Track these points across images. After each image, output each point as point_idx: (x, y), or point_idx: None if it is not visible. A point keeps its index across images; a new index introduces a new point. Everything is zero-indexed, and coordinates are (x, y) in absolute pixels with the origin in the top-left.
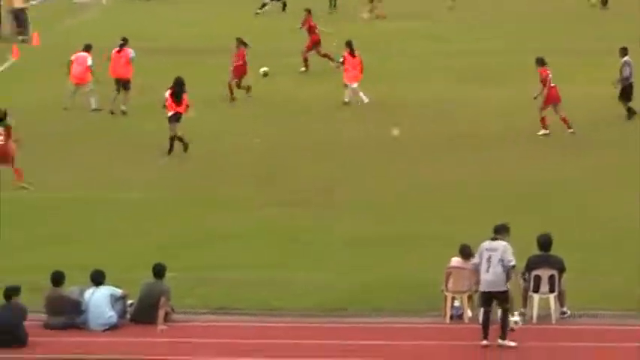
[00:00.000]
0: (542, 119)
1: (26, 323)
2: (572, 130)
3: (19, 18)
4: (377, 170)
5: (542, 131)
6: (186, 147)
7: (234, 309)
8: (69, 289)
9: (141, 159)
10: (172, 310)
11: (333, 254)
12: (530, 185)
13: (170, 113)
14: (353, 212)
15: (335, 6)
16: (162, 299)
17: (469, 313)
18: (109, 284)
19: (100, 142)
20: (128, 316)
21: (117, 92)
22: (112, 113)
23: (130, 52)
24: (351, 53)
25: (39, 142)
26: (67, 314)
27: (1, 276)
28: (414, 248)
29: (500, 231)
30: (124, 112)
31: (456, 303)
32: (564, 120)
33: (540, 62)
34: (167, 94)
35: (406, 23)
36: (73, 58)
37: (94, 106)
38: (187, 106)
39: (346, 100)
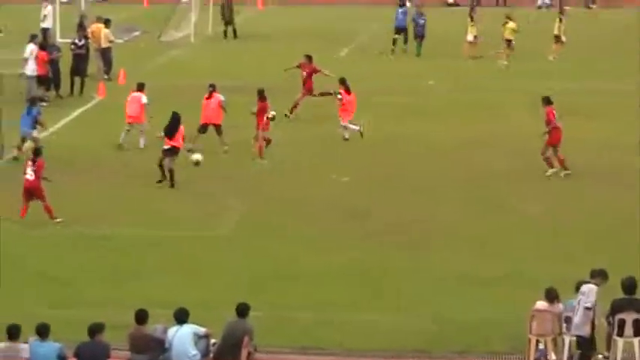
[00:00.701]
0: (547, 159)
1: None
2: (568, 171)
3: (105, 57)
4: (465, 207)
5: (550, 171)
6: (172, 183)
7: (317, 349)
8: (152, 327)
9: (228, 196)
10: (255, 349)
11: (421, 294)
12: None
13: (165, 147)
14: (443, 250)
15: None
16: (246, 339)
17: (553, 356)
18: (192, 323)
19: (183, 181)
20: (211, 355)
21: (198, 133)
22: (189, 151)
23: (220, 97)
24: (347, 91)
25: (116, 178)
26: (151, 352)
27: (86, 311)
28: (503, 288)
29: (595, 275)
30: (225, 152)
31: (540, 346)
32: (561, 161)
33: (546, 102)
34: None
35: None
36: (128, 98)
37: (141, 145)
38: (183, 138)
39: (346, 136)
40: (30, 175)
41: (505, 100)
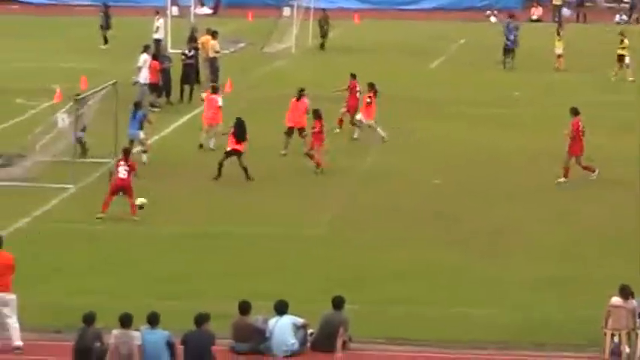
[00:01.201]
0: (587, 167)
1: (214, 348)
2: (566, 180)
3: (213, 66)
4: (548, 215)
5: (562, 179)
6: (248, 176)
7: (408, 339)
8: (254, 318)
9: (321, 197)
10: (350, 339)
11: (500, 292)
12: None
13: (229, 148)
14: (521, 255)
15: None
16: (341, 329)
17: (627, 349)
18: (291, 314)
19: (281, 182)
20: (308, 344)
21: (287, 137)
22: (284, 155)
23: (307, 101)
24: (376, 94)
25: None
26: (252, 341)
27: (195, 302)
28: (578, 288)
29: None
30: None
31: (615, 339)
32: (567, 171)
33: (574, 112)
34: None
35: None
36: (205, 101)
37: (211, 146)
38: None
39: (355, 136)
40: (123, 173)
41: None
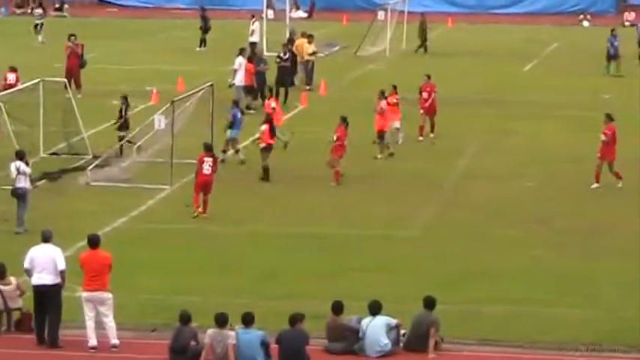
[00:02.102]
0: (616, 174)
1: (308, 347)
2: (598, 185)
3: (307, 69)
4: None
5: (620, 183)
6: (266, 176)
7: (499, 340)
8: (348, 318)
9: (415, 200)
10: (442, 340)
11: (595, 293)
12: None
13: (263, 145)
14: (619, 254)
15: None
16: (432, 330)
17: None
18: (384, 314)
19: (377, 183)
20: (401, 344)
21: (379, 141)
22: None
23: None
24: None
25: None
26: (346, 341)
27: (290, 302)
28: None
29: None
30: (391, 155)
31: None
32: (598, 175)
33: (608, 118)
34: (264, 128)
35: None
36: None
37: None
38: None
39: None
40: (207, 170)
41: None
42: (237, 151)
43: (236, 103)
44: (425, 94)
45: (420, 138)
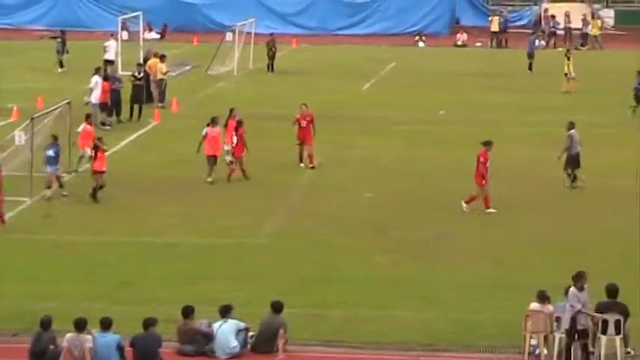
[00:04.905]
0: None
1: (161, 350)
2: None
3: (160, 87)
4: (480, 225)
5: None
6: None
7: (343, 342)
8: (198, 322)
9: (263, 210)
10: (287, 341)
11: (430, 296)
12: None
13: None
14: (453, 261)
15: None
16: (281, 331)
17: (545, 351)
18: (234, 318)
19: (227, 193)
20: (249, 346)
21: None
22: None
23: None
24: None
25: (168, 191)
26: (197, 343)
27: (144, 307)
28: (502, 294)
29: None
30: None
31: (533, 342)
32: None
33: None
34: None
35: None
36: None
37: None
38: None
39: None
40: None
41: None
42: (60, 186)
43: (55, 138)
44: (303, 123)
45: (302, 165)
